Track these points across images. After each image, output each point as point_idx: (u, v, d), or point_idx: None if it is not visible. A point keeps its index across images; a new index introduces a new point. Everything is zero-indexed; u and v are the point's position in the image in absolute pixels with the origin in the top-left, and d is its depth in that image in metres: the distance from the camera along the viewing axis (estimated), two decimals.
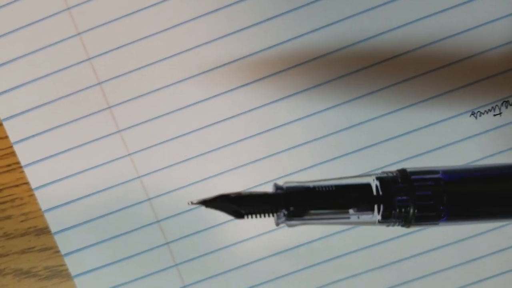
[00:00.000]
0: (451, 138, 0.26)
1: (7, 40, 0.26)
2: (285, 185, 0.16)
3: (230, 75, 0.26)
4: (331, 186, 0.16)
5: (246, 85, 0.26)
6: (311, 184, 0.16)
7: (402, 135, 0.26)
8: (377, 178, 0.16)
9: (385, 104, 0.26)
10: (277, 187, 0.16)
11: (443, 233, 0.27)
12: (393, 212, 0.16)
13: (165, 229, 0.27)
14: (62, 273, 0.28)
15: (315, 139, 0.26)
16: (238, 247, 0.27)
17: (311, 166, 0.26)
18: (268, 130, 0.26)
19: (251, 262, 0.27)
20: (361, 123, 0.26)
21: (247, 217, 0.16)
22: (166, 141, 0.27)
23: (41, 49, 0.26)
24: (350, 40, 0.26)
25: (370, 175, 0.16)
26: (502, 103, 0.26)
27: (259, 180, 0.27)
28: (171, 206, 0.27)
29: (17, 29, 0.26)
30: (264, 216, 0.16)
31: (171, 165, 0.27)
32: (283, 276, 0.27)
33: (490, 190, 0.16)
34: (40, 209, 0.27)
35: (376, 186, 0.16)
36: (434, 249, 0.27)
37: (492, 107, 0.26)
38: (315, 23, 0.26)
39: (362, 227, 0.27)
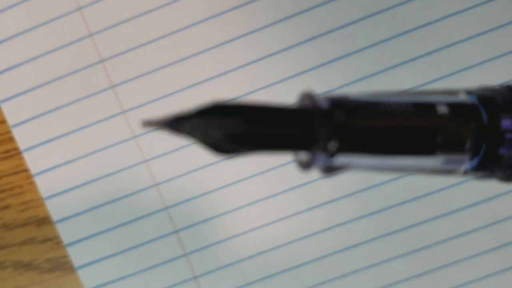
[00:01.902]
0: None
1: (2, 18, 0.25)
2: (328, 97, 0.09)
3: (238, 50, 0.25)
4: (407, 103, 0.10)
5: (257, 61, 0.25)
6: (371, 98, 0.10)
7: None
8: (475, 96, 0.10)
9: (406, 79, 0.25)
10: (313, 98, 0.09)
11: (472, 217, 0.25)
12: (501, 153, 0.10)
13: (174, 216, 0.26)
14: (64, 265, 0.27)
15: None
16: (251, 235, 0.26)
17: None
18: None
19: (265, 251, 0.26)
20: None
21: (249, 150, 0.09)
22: None
23: (39, 26, 0.25)
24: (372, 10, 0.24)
25: (456, 91, 0.10)
26: None
27: (272, 163, 0.25)
28: (180, 191, 0.26)
29: (15, 5, 0.25)
30: (286, 149, 0.09)
31: (179, 148, 0.26)
32: (300, 265, 0.26)
33: None
34: (41, 198, 0.26)
35: (476, 107, 0.09)
36: (464, 233, 0.25)
37: None
38: None
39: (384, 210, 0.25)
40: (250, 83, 0.25)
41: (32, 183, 0.26)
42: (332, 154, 0.09)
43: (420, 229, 0.26)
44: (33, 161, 0.26)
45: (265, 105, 0.09)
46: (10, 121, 0.26)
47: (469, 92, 0.10)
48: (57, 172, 0.26)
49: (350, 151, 0.09)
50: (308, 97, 0.09)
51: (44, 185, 0.26)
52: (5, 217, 0.27)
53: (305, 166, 0.10)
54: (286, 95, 0.23)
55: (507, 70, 0.24)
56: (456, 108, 0.10)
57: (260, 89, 0.25)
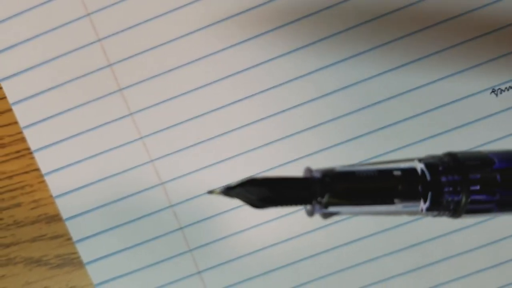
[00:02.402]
0: (471, 116, 0.25)
1: (12, 23, 0.26)
2: (321, 169, 0.14)
3: (243, 54, 0.26)
4: (373, 170, 0.14)
5: (260, 64, 0.26)
6: (350, 169, 0.14)
7: (420, 114, 0.25)
8: (422, 162, 0.14)
9: (403, 81, 0.25)
10: (311, 171, 0.14)
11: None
12: (443, 200, 0.14)
13: (179, 214, 0.27)
14: (73, 261, 0.28)
15: (337, 118, 0.26)
16: (253, 231, 0.27)
17: (337, 144, 0.26)
18: (283, 111, 0.26)
19: (266, 247, 0.27)
20: (378, 102, 0.26)
21: (274, 206, 0.14)
22: (179, 123, 0.26)
23: (50, 30, 0.26)
24: (367, 15, 0.25)
25: (412, 159, 0.15)
26: None
27: (275, 162, 0.26)
28: (184, 190, 0.26)
29: (27, 10, 0.26)
30: (296, 204, 0.14)
31: (184, 148, 0.26)
32: (300, 260, 0.27)
33: None
34: (51, 196, 0.27)
35: (422, 170, 0.14)
36: (456, 230, 0.26)
37: None
38: None
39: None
40: (250, 87, 0.26)
41: (42, 182, 0.27)
42: (325, 206, 0.14)
43: (413, 226, 0.26)
44: (43, 161, 0.27)
45: (281, 177, 0.14)
46: (22, 122, 0.26)
47: (420, 160, 0.15)
48: (67, 171, 0.26)
49: (336, 204, 0.14)
50: (308, 170, 0.14)
51: (54, 184, 0.27)
52: (16, 214, 0.28)
53: (310, 214, 0.15)
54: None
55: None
56: (408, 171, 0.14)
57: (259, 92, 0.26)
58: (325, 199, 0.14)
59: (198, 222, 0.27)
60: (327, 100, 0.26)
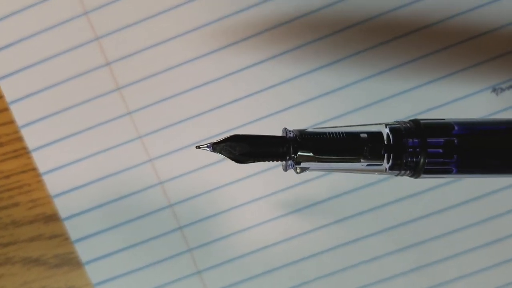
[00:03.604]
0: (472, 115, 0.25)
1: (9, 22, 0.26)
2: (295, 130, 0.16)
3: (243, 53, 0.25)
4: (342, 132, 0.16)
5: (260, 63, 0.26)
6: (322, 130, 0.16)
7: (422, 112, 0.25)
8: (388, 126, 0.16)
9: (404, 80, 0.25)
10: (287, 131, 0.16)
11: (465, 214, 0.26)
12: (403, 160, 0.16)
13: (178, 213, 0.26)
14: (72, 261, 0.28)
15: (332, 119, 0.26)
16: (253, 231, 0.27)
17: None
18: (284, 110, 0.26)
19: (266, 247, 0.27)
20: (381, 100, 0.25)
21: (253, 161, 0.16)
22: (178, 122, 0.26)
23: (47, 29, 0.25)
24: (369, 14, 0.25)
25: (381, 124, 0.16)
26: None
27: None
28: (183, 189, 0.26)
29: (24, 9, 0.25)
30: (273, 159, 0.16)
31: (183, 148, 0.26)
32: (300, 260, 0.27)
33: (502, 143, 0.16)
34: (49, 196, 0.27)
35: (387, 134, 0.16)
36: (456, 230, 0.26)
37: None
38: None
39: (386, 209, 0.26)
40: (250, 86, 0.26)
41: (40, 182, 0.27)
42: (297, 162, 0.16)
43: (415, 225, 0.26)
44: (41, 160, 0.26)
45: (260, 135, 0.16)
46: (19, 121, 0.26)
47: (386, 124, 0.16)
48: (65, 170, 0.26)
49: (307, 160, 0.16)
50: (284, 130, 0.16)
51: (52, 183, 0.26)
52: (14, 214, 0.27)
53: (284, 168, 0.16)
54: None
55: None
56: (373, 134, 0.16)
57: (259, 91, 0.26)
58: (297, 155, 0.16)
59: (197, 221, 0.27)
60: (331, 99, 0.26)
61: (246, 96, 0.26)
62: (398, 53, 0.25)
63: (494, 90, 0.25)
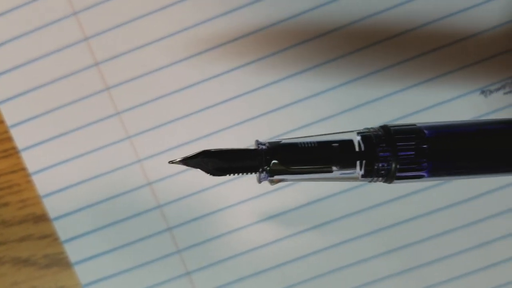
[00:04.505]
0: (460, 116, 0.25)
1: (1, 21, 0.26)
2: (267, 141, 0.16)
3: (230, 55, 0.26)
4: (314, 142, 0.16)
5: (247, 64, 0.26)
6: (293, 141, 0.16)
7: (410, 114, 0.25)
8: (360, 134, 0.16)
9: (393, 82, 0.25)
10: (259, 143, 0.16)
11: (453, 216, 0.26)
12: (375, 167, 0.16)
13: (167, 214, 0.26)
14: (61, 261, 0.28)
15: (320, 120, 0.26)
16: (242, 232, 0.27)
17: None
18: (271, 111, 0.26)
19: (256, 248, 0.27)
20: (368, 102, 0.25)
21: (228, 174, 0.16)
22: (167, 123, 0.26)
23: (36, 29, 0.26)
24: (355, 17, 0.25)
25: (352, 131, 0.16)
26: None
27: None
28: (172, 190, 0.26)
29: (12, 10, 0.25)
30: (246, 172, 0.16)
31: (172, 148, 0.26)
32: (289, 262, 0.27)
33: (471, 145, 0.16)
34: (38, 196, 0.27)
35: (359, 142, 0.16)
36: (444, 232, 0.26)
37: (503, 85, 0.25)
38: (310, 2, 0.25)
39: (369, 213, 0.26)
40: (238, 87, 0.26)
41: (29, 182, 0.27)
42: (271, 174, 0.16)
43: (402, 228, 0.26)
44: (30, 160, 0.26)
45: (232, 149, 0.16)
46: (9, 121, 0.26)
47: (358, 132, 0.16)
48: (54, 171, 0.26)
49: (279, 172, 0.16)
50: (256, 143, 0.16)
51: (41, 183, 0.26)
52: (4, 214, 0.27)
53: (258, 181, 0.16)
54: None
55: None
56: (345, 143, 0.16)
57: (247, 92, 0.26)
58: (270, 168, 0.16)
59: (186, 222, 0.27)
60: (317, 102, 0.26)
61: (234, 98, 0.26)
62: (385, 56, 0.25)
63: (483, 92, 0.25)
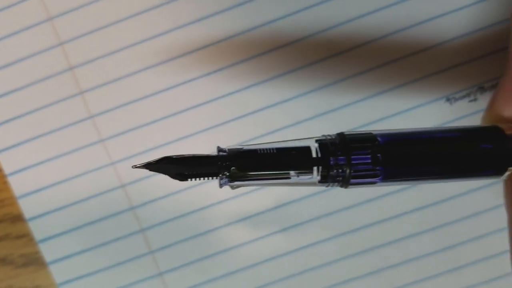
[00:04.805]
0: (426, 124, 0.26)
1: None
2: (227, 148, 0.17)
3: (201, 62, 0.26)
4: (273, 148, 0.17)
5: (218, 71, 0.26)
6: (253, 147, 0.17)
7: (376, 121, 0.26)
8: (317, 141, 0.17)
9: (362, 89, 0.26)
10: (220, 150, 0.17)
11: (420, 220, 0.27)
12: (330, 173, 0.16)
13: (140, 216, 0.27)
14: (38, 261, 0.28)
15: (294, 124, 0.26)
16: (215, 234, 0.27)
17: None
18: (242, 116, 0.26)
19: (228, 249, 0.27)
20: (337, 108, 0.26)
21: (190, 180, 0.16)
22: (140, 126, 0.27)
23: (10, 35, 0.26)
24: (324, 26, 0.26)
25: (311, 138, 0.17)
26: (477, 89, 0.26)
27: None
28: (145, 192, 0.27)
29: None
30: (207, 178, 0.16)
31: (145, 151, 0.27)
32: (260, 263, 0.27)
33: (424, 151, 0.17)
34: (15, 196, 0.27)
35: (316, 149, 0.17)
36: (412, 235, 0.27)
37: (467, 93, 0.26)
38: (281, 11, 0.25)
39: (338, 214, 0.27)
40: (211, 92, 0.26)
41: (6, 183, 0.27)
42: (231, 179, 0.17)
43: (369, 231, 0.27)
44: (7, 162, 0.27)
45: (193, 155, 0.16)
46: None
47: (316, 139, 0.17)
48: (30, 172, 0.27)
49: (240, 178, 0.17)
50: (217, 149, 0.17)
51: (17, 184, 0.27)
52: None
53: (220, 185, 0.17)
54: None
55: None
56: (302, 149, 0.17)
57: (220, 97, 0.26)
58: (230, 174, 0.16)
59: (159, 224, 0.27)
60: (285, 107, 0.26)
61: (205, 103, 0.26)
62: (353, 64, 0.26)
63: (448, 99, 0.26)
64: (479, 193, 0.27)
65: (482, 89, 0.26)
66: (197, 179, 0.16)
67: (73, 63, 0.26)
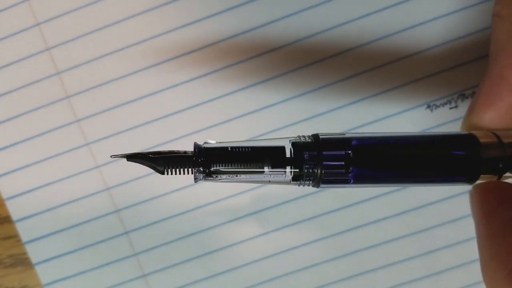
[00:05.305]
0: (406, 130, 0.26)
1: None
2: (203, 145, 0.17)
3: (187, 66, 0.26)
4: (248, 147, 0.17)
5: (204, 76, 0.27)
6: (229, 145, 0.17)
7: (357, 127, 0.26)
8: (291, 141, 0.17)
9: (342, 96, 0.26)
10: (196, 146, 0.17)
11: (401, 224, 0.27)
12: (302, 172, 0.17)
13: (125, 218, 0.27)
14: (25, 261, 0.28)
15: (273, 131, 0.27)
16: (198, 236, 0.28)
17: None
18: (226, 121, 0.27)
19: (211, 252, 0.28)
20: (319, 114, 0.26)
21: (167, 173, 0.17)
22: (125, 130, 0.27)
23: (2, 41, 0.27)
24: (306, 32, 0.26)
25: (286, 138, 0.18)
26: (458, 96, 0.26)
27: None
28: (130, 195, 0.27)
29: None
30: (183, 173, 0.17)
31: None
32: (242, 266, 0.28)
33: (396, 155, 0.18)
34: (2, 198, 0.28)
35: (290, 149, 0.17)
36: (392, 240, 0.27)
37: (448, 100, 0.26)
38: (267, 17, 0.26)
39: (321, 218, 0.27)
40: (196, 97, 0.27)
41: None
42: (206, 175, 0.17)
43: (351, 234, 0.27)
44: None
45: (169, 151, 0.17)
46: None
47: (291, 140, 0.17)
48: (17, 175, 0.27)
49: (214, 173, 0.17)
50: (194, 145, 0.17)
51: (5, 186, 0.27)
52: None
53: (195, 180, 0.17)
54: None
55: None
56: (276, 149, 0.17)
57: (205, 102, 0.27)
58: (203, 169, 0.17)
59: (143, 226, 0.28)
60: (269, 113, 0.27)
61: (190, 107, 0.27)
62: (334, 71, 0.26)
63: (429, 106, 0.26)
64: (460, 199, 0.27)
65: (463, 96, 0.26)
66: (172, 174, 0.17)
67: (60, 68, 0.27)
